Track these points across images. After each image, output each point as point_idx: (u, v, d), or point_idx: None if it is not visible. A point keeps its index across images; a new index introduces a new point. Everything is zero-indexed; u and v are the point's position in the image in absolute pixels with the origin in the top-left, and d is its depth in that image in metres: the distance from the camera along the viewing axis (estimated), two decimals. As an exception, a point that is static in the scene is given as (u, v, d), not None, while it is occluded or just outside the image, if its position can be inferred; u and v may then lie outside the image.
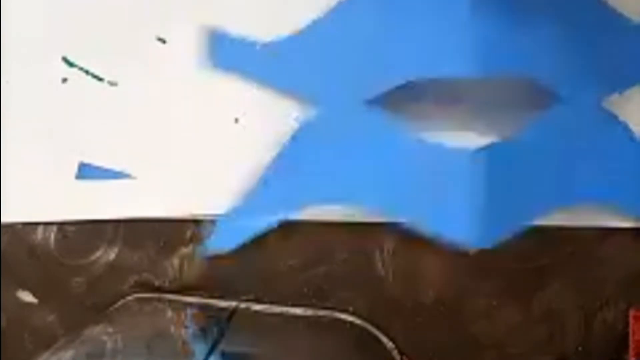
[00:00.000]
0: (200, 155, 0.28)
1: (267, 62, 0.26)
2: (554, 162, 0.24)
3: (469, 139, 0.24)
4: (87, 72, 0.28)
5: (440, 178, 0.24)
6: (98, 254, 0.29)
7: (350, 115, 0.25)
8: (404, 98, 0.24)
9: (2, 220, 0.29)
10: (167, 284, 0.29)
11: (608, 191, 0.25)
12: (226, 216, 0.27)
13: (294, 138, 0.26)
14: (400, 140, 0.24)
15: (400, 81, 0.23)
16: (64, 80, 0.28)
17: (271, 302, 0.28)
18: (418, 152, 0.24)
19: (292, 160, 0.26)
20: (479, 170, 0.23)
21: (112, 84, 0.28)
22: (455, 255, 0.27)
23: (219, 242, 0.27)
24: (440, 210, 0.24)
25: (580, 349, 0.27)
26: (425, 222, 0.24)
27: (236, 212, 0.27)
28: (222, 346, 0.25)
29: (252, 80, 0.27)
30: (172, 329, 0.27)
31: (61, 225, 0.29)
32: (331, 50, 0.25)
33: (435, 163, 0.24)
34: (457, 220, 0.23)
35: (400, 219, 0.25)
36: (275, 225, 0.26)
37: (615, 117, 0.24)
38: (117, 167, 0.28)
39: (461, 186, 0.23)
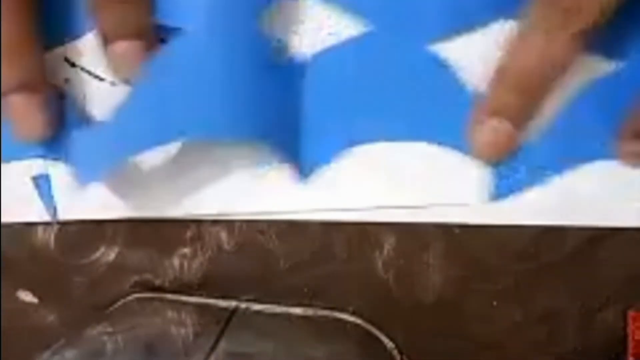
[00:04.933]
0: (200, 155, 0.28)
1: None
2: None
3: None
4: (89, 72, 0.28)
5: None
6: (98, 254, 0.29)
7: None
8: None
9: (2, 220, 0.29)
10: (167, 284, 0.29)
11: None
12: None
13: None
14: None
15: None
16: (66, 80, 0.28)
17: (271, 302, 0.28)
18: None
19: None
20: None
21: (113, 83, 0.28)
22: (455, 255, 0.27)
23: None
24: None
25: (579, 349, 0.27)
26: None
27: None
28: (222, 346, 0.25)
29: None
30: (173, 329, 0.27)
31: (61, 225, 0.29)
32: None
33: None
34: None
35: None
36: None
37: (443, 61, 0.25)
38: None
39: None
